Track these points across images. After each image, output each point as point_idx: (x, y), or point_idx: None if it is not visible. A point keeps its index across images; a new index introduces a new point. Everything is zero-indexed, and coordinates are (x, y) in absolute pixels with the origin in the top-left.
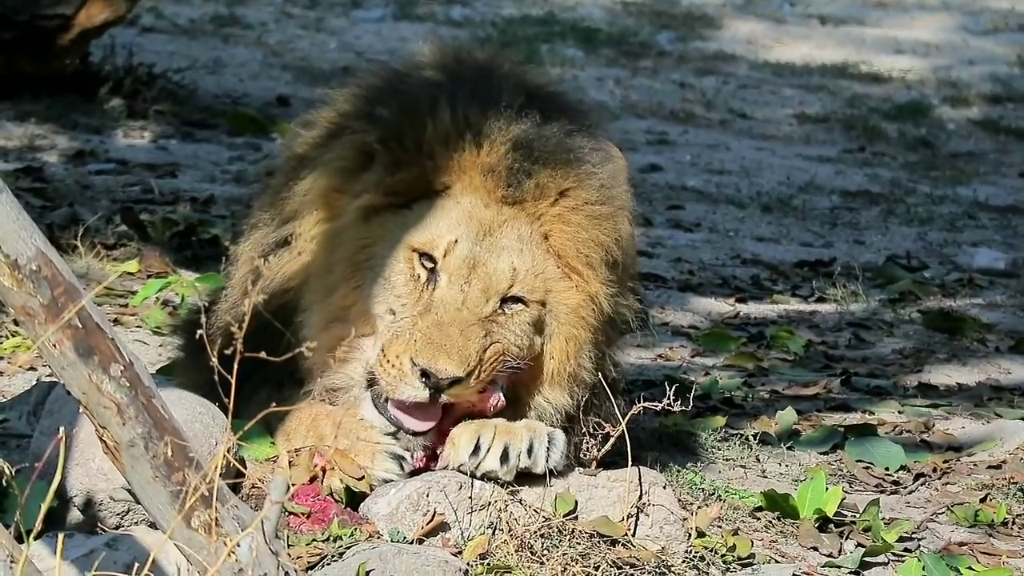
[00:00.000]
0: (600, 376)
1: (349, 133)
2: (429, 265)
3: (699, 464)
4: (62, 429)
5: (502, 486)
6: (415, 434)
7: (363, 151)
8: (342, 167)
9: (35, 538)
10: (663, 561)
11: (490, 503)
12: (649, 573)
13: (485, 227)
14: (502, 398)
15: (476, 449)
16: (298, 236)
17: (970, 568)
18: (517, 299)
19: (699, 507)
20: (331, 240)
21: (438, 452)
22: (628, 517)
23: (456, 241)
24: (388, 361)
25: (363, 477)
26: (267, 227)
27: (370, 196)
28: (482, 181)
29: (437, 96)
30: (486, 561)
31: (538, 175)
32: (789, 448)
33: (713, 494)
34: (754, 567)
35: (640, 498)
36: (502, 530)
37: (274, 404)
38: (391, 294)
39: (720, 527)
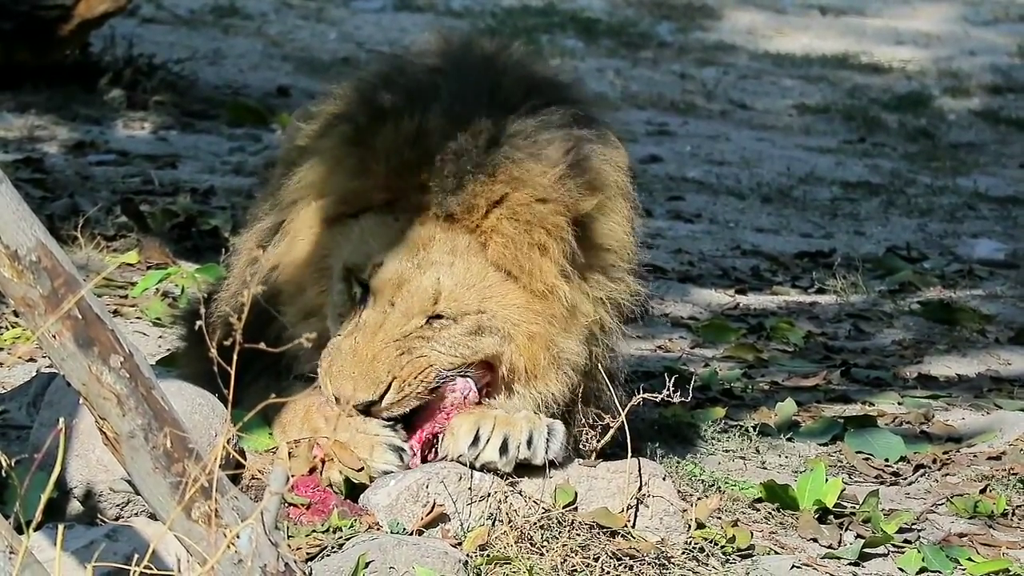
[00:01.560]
0: (599, 367)
1: (343, 123)
2: (361, 285)
3: (699, 455)
4: (62, 420)
5: (501, 477)
6: None
7: (337, 152)
8: (333, 159)
9: (35, 529)
10: (663, 552)
11: (490, 494)
12: (649, 564)
13: (417, 245)
14: (474, 389)
15: (476, 440)
16: (291, 226)
17: (970, 559)
18: (442, 316)
19: (699, 498)
20: (304, 239)
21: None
22: (628, 508)
23: (382, 264)
24: (323, 379)
25: (362, 468)
26: (266, 218)
27: (329, 203)
28: (418, 200)
29: (410, 99)
30: (486, 552)
31: (465, 193)
32: (789, 439)
33: (713, 485)
34: (754, 558)
35: (640, 489)
36: (502, 521)
37: (272, 394)
38: (335, 312)
39: (720, 518)
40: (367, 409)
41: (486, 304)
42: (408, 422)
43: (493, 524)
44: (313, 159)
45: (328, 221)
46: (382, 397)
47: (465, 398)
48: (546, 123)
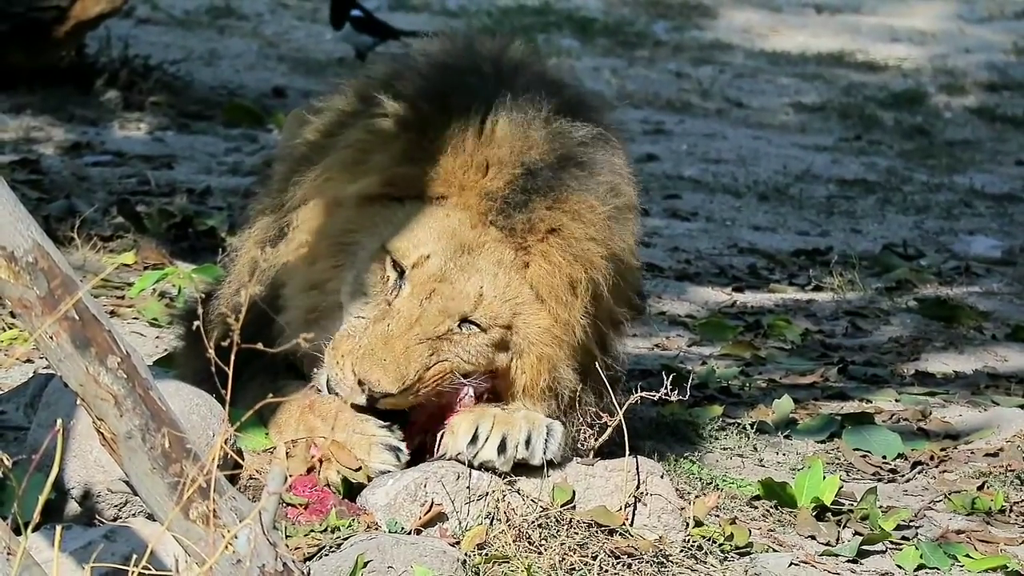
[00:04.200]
0: (597, 367)
1: (365, 117)
2: (398, 271)
3: (697, 453)
4: (59, 421)
5: (500, 476)
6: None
7: (378, 136)
8: (352, 156)
9: (33, 530)
10: (661, 550)
11: (488, 493)
12: (647, 562)
13: (465, 247)
14: (471, 395)
15: (474, 439)
16: (297, 225)
17: (967, 556)
18: (476, 323)
19: (697, 496)
20: (324, 214)
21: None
22: (626, 507)
23: (428, 256)
24: (335, 359)
25: (360, 468)
26: (269, 217)
27: (370, 182)
28: (477, 203)
29: (469, 93)
30: (484, 551)
31: (531, 212)
32: (786, 437)
33: (711, 483)
34: (752, 556)
35: (638, 488)
36: (500, 520)
37: (269, 394)
38: (359, 288)
39: (718, 516)
40: (377, 399)
41: (515, 320)
42: (403, 422)
43: (491, 523)
44: (330, 157)
45: (364, 199)
46: (404, 392)
47: (460, 402)
48: (591, 147)
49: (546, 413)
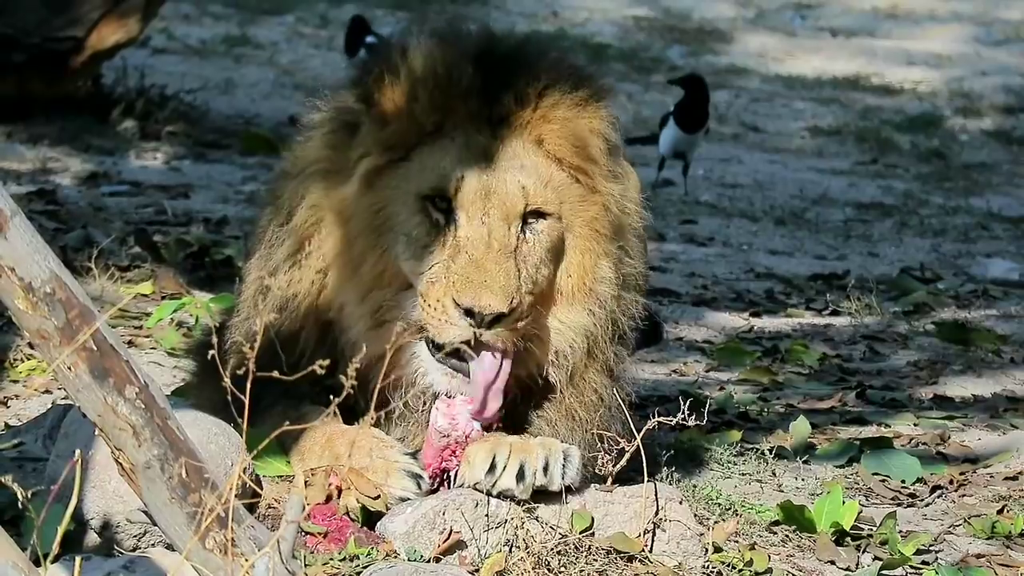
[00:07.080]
0: (614, 392)
1: (353, 88)
2: (443, 207)
3: (715, 479)
4: (78, 452)
5: (518, 503)
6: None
7: (347, 119)
8: (331, 141)
9: (52, 561)
10: None
11: (506, 520)
12: None
13: (485, 154)
14: (477, 428)
15: (492, 467)
16: (303, 239)
17: None
18: (538, 214)
19: (716, 522)
20: (342, 217)
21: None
22: (645, 533)
23: (463, 176)
24: (429, 305)
25: (379, 496)
26: (273, 238)
27: (368, 159)
28: (465, 108)
29: (405, 45)
30: None
31: (515, 85)
32: (805, 462)
33: (729, 509)
34: None
35: (656, 514)
36: (519, 547)
37: (288, 421)
38: (417, 246)
39: (737, 542)
40: (487, 326)
41: (563, 208)
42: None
43: (510, 550)
44: (312, 150)
45: (373, 174)
46: (513, 311)
47: (467, 436)
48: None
49: (585, 324)
